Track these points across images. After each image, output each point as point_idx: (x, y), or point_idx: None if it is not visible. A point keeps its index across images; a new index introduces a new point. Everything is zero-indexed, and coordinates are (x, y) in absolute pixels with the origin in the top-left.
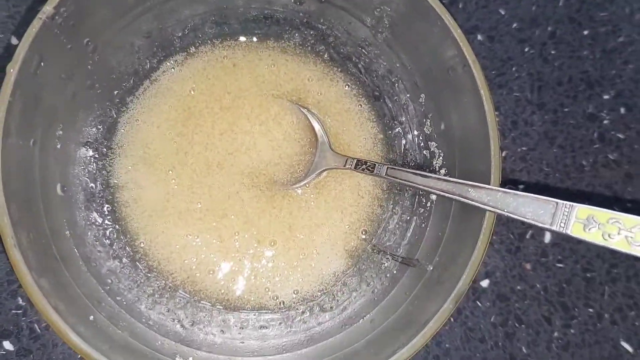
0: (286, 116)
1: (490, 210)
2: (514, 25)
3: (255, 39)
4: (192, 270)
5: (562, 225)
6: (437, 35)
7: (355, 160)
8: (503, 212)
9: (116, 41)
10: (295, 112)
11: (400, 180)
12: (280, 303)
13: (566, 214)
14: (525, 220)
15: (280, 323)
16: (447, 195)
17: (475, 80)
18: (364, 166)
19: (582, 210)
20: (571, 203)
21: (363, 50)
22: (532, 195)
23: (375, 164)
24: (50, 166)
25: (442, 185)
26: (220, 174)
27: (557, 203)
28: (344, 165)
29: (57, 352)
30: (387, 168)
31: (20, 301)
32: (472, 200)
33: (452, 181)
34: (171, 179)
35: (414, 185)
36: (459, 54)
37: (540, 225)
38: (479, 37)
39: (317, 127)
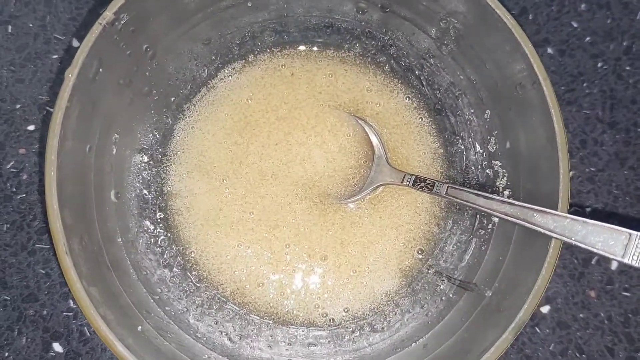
0: (342, 128)
1: (556, 238)
2: (587, 39)
3: (314, 48)
4: (241, 281)
5: (635, 257)
6: (506, 49)
7: (413, 177)
8: (570, 241)
9: (175, 48)
10: (352, 123)
11: (461, 201)
12: (329, 320)
13: None
14: (594, 250)
15: (329, 341)
16: (510, 219)
17: (546, 99)
18: (422, 184)
19: None
20: None
21: (426, 62)
22: (603, 224)
23: (434, 182)
24: (105, 172)
25: (506, 209)
26: (274, 184)
27: (630, 234)
28: (402, 182)
29: (106, 357)
30: (448, 187)
31: (71, 304)
32: (538, 226)
33: (516, 205)
34: (225, 187)
35: (476, 207)
36: (528, 70)
37: (610, 256)
38: (549, 50)
39: (374, 140)
